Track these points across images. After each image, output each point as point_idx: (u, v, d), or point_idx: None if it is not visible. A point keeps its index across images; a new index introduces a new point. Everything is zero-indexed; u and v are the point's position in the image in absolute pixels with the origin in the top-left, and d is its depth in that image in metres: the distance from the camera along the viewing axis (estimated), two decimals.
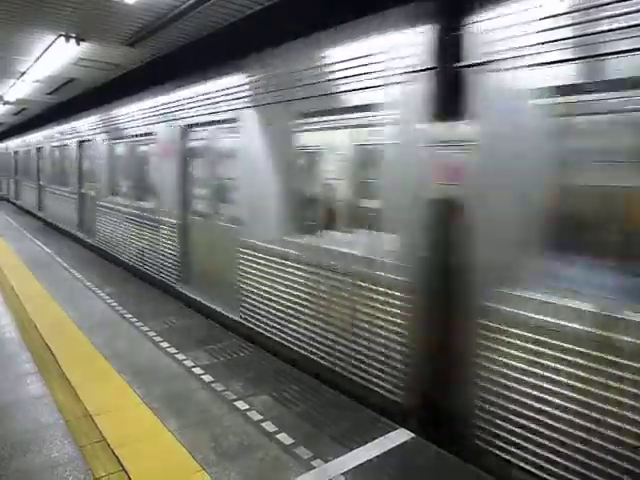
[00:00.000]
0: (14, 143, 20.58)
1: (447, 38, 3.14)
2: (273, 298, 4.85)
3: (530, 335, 2.76)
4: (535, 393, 2.75)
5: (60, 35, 6.71)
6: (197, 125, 6.22)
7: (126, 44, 6.99)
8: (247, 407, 3.75)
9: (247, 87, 5.05)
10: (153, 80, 7.44)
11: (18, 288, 6.99)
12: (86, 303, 6.38)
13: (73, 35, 6.72)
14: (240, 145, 5.28)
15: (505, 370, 2.89)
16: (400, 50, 3.40)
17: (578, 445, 2.58)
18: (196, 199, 6.62)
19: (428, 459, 3.17)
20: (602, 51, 2.44)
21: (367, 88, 3.62)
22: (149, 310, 6.09)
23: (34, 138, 16.01)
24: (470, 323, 3.05)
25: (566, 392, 2.62)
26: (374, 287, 3.65)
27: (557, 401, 2.66)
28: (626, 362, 2.40)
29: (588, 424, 2.54)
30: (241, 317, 5.36)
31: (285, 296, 4.63)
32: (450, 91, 3.11)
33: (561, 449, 2.64)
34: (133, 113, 8.10)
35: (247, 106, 5.03)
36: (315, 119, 4.47)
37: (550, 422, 2.69)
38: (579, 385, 2.57)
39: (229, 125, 5.52)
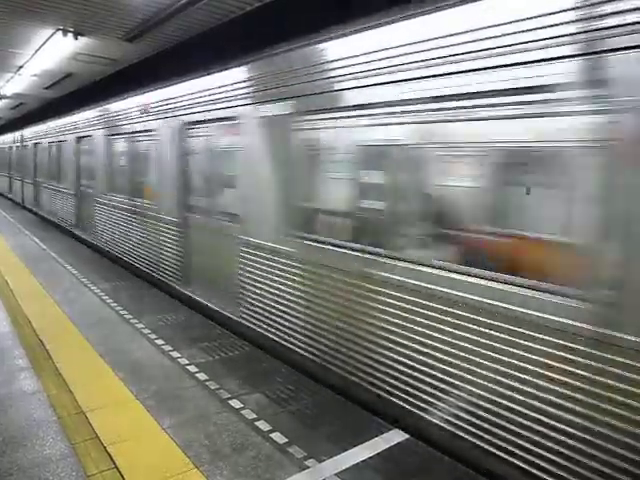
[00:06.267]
0: (32, 132, 15.79)
1: None
2: None
3: None
4: None
5: (58, 29, 6.68)
6: None
7: (124, 39, 6.96)
8: (241, 405, 3.73)
9: None
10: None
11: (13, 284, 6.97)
12: None
13: (71, 29, 6.69)
14: None
15: None
16: None
17: None
18: None
19: (422, 460, 3.16)
20: None
21: None
22: None
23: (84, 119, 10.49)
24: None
25: None
26: None
27: None
28: None
29: None
30: None
31: None
32: None
33: None
34: None
35: None
36: None
37: None
38: None
39: None
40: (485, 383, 2.98)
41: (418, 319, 3.37)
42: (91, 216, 10.01)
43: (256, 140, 4.93)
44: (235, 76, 5.22)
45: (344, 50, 3.91)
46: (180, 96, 6.37)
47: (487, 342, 2.97)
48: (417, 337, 3.39)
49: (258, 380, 4.19)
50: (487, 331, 2.96)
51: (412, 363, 3.42)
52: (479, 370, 3.01)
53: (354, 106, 3.88)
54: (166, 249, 6.89)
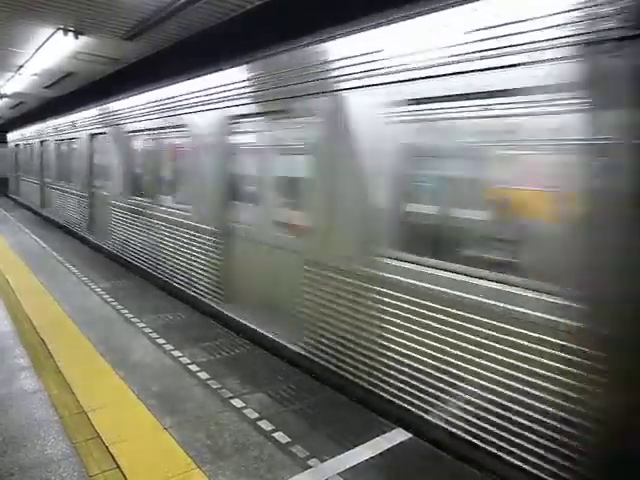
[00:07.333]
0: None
1: None
2: None
3: None
4: None
5: (58, 28, 6.67)
6: None
7: (125, 38, 6.95)
8: (243, 405, 3.72)
9: None
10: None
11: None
12: None
13: (71, 29, 6.67)
14: None
15: None
16: None
17: None
18: None
19: (425, 459, 3.15)
20: None
21: None
22: None
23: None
24: None
25: None
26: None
27: None
28: None
29: None
30: None
31: None
32: None
33: None
34: None
35: None
36: None
37: None
38: None
39: None
40: None
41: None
42: None
43: None
44: None
45: None
46: None
47: None
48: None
49: (260, 379, 4.17)
50: None
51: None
52: None
53: None
54: None
